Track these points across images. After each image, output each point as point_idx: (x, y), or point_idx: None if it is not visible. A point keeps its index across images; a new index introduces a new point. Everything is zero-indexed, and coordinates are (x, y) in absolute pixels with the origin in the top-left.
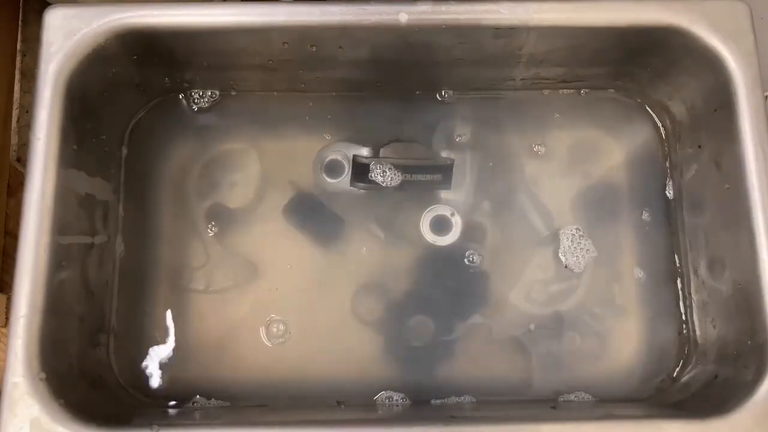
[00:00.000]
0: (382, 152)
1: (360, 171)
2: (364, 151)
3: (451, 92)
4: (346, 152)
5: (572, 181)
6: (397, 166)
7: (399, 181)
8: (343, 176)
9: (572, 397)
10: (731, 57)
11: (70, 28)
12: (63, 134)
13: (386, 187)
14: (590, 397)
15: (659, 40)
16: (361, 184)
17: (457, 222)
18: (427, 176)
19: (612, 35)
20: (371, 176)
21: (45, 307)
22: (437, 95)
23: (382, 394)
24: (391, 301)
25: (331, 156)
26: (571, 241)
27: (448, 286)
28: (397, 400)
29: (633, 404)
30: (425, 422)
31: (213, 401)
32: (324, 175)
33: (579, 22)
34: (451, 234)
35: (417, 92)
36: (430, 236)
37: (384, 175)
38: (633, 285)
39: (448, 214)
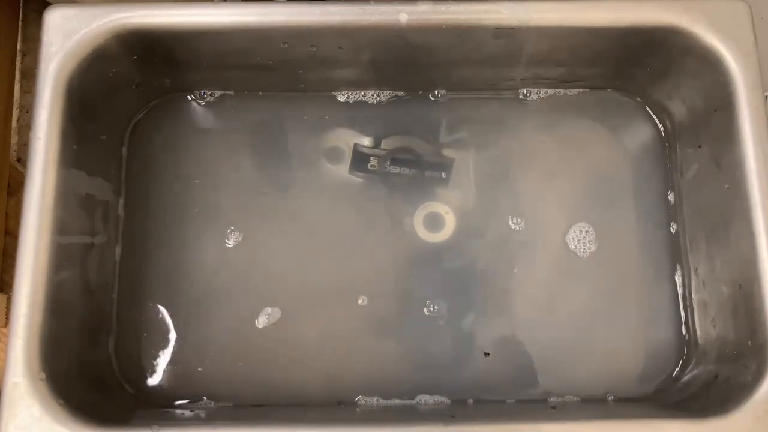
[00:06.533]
0: (383, 144)
1: (359, 160)
2: (366, 141)
3: (444, 92)
4: (347, 140)
5: (571, 181)
6: (396, 160)
7: (396, 175)
8: (343, 163)
9: (572, 397)
10: (731, 57)
11: (70, 28)
12: (63, 134)
13: (383, 179)
14: (590, 397)
15: (659, 40)
16: (359, 173)
17: (450, 220)
18: (425, 173)
19: (612, 35)
20: (370, 166)
21: (45, 307)
22: (431, 95)
23: (381, 394)
24: (386, 299)
25: (333, 143)
26: (571, 241)
27: (442, 284)
28: (396, 400)
29: (633, 404)
30: (425, 422)
31: (213, 401)
32: (324, 160)
33: (579, 22)
34: (443, 232)
35: (419, 92)
36: (422, 233)
37: (382, 167)
38: (633, 284)
39: (442, 212)
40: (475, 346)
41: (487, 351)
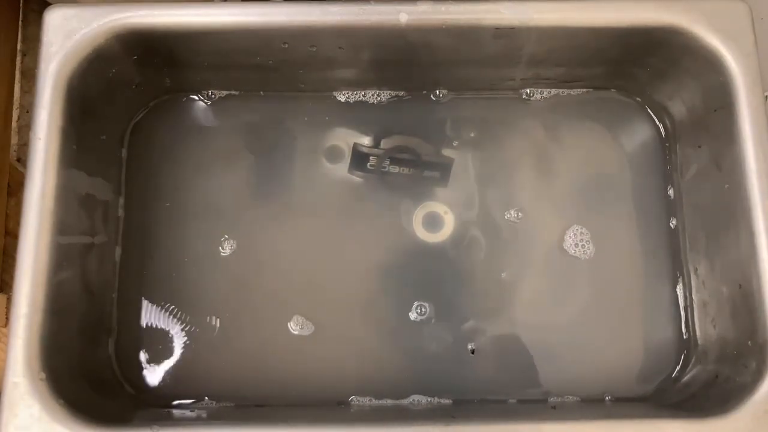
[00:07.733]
0: (383, 144)
1: (359, 159)
2: (366, 141)
3: (445, 92)
4: (347, 140)
5: (571, 181)
6: (395, 160)
7: (396, 174)
8: (342, 163)
9: (572, 397)
10: (731, 57)
11: (70, 28)
12: (63, 134)
13: (382, 178)
14: (590, 397)
15: (659, 40)
16: (359, 173)
17: (449, 220)
18: (425, 172)
19: (612, 35)
20: (369, 166)
21: (45, 307)
22: (431, 95)
23: (377, 394)
24: (385, 299)
25: (332, 142)
26: (571, 241)
27: (441, 284)
28: (394, 401)
29: (633, 404)
30: (425, 422)
31: (213, 401)
32: (323, 160)
33: (579, 22)
34: (442, 232)
35: (420, 92)
36: (421, 232)
37: (381, 167)
38: (633, 285)
39: (441, 212)
40: (475, 345)
41: (473, 348)
